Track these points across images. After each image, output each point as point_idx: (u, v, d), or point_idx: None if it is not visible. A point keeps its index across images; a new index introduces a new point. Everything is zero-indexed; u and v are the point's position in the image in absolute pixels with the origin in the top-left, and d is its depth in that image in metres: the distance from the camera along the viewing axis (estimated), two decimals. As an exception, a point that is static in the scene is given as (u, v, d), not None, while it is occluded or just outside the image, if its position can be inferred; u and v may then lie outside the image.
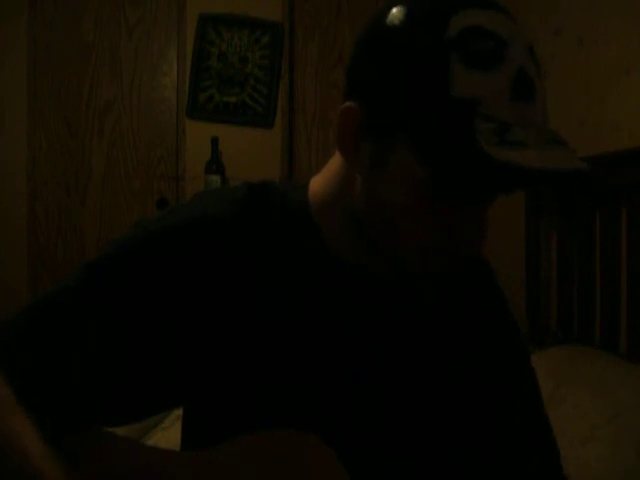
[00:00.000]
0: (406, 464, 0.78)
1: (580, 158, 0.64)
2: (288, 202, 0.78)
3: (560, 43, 2.17)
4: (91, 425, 0.71)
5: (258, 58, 2.88)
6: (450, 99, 0.61)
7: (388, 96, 0.66)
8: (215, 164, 2.79)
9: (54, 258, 2.84)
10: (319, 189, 0.77)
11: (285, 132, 2.89)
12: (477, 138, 0.60)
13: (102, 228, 2.85)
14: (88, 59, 2.84)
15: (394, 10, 0.67)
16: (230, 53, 2.88)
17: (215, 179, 2.76)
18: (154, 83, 2.89)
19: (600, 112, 1.98)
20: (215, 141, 2.79)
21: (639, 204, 1.78)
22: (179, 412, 0.82)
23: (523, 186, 0.69)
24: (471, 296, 0.83)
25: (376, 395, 0.77)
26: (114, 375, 0.71)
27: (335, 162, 0.76)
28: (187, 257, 0.72)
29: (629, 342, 1.82)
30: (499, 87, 0.62)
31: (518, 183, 0.67)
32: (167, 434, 1.79)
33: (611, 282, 1.88)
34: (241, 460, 0.71)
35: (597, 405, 1.50)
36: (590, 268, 1.98)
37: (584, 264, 2.01)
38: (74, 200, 2.85)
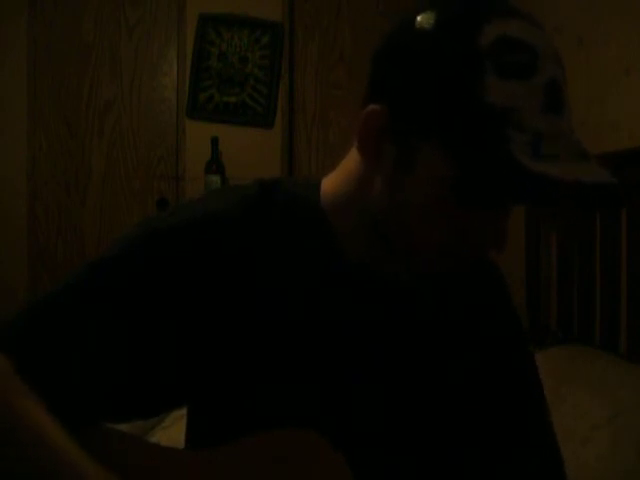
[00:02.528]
0: (406, 464, 0.78)
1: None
2: (298, 201, 0.77)
3: (560, 43, 2.15)
4: (93, 423, 0.71)
5: (258, 58, 2.88)
6: (483, 107, 0.62)
7: (417, 101, 0.66)
8: (215, 164, 2.79)
9: (54, 258, 2.84)
10: (332, 189, 0.77)
11: (285, 132, 2.89)
12: (512, 149, 0.60)
13: (102, 228, 2.85)
14: (88, 59, 2.84)
15: (423, 15, 0.66)
16: (230, 53, 2.88)
17: (215, 179, 2.77)
18: (154, 83, 2.89)
19: (600, 112, 1.98)
20: (215, 141, 2.79)
21: (639, 204, 1.78)
22: (181, 411, 0.82)
23: (553, 198, 0.70)
24: (473, 296, 0.83)
25: (376, 395, 0.77)
26: (116, 374, 0.71)
27: (350, 163, 0.76)
28: (187, 257, 0.72)
29: (629, 342, 1.81)
30: (532, 97, 0.62)
31: (550, 195, 0.67)
32: (168, 433, 1.79)
33: (611, 282, 1.88)
34: (242, 460, 0.71)
35: (597, 405, 1.50)
36: (590, 268, 1.98)
37: (584, 264, 2.01)
38: (74, 200, 2.85)
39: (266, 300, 0.74)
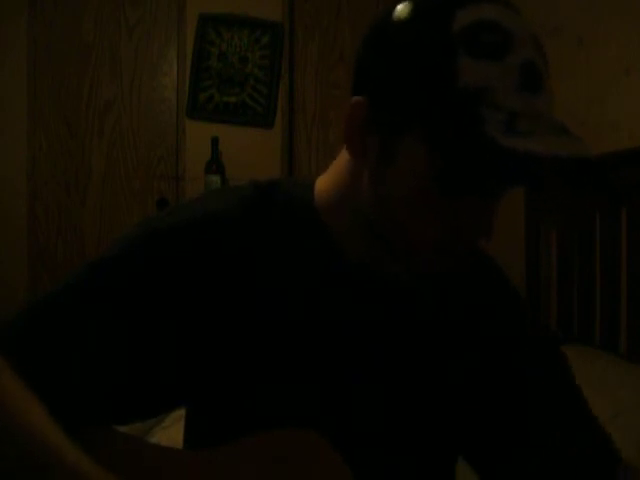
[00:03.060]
0: (406, 464, 0.78)
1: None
2: (294, 201, 0.77)
3: (560, 43, 2.17)
4: (93, 423, 0.71)
5: (258, 58, 2.88)
6: (457, 90, 0.62)
7: (396, 90, 0.66)
8: (215, 164, 2.79)
9: (54, 258, 2.84)
10: (326, 188, 0.77)
11: (285, 132, 2.89)
12: (485, 127, 0.60)
13: (102, 228, 2.85)
14: (88, 59, 2.84)
15: (401, 5, 0.67)
16: (230, 53, 2.88)
17: (215, 179, 2.77)
18: (154, 83, 2.89)
19: (600, 112, 1.98)
20: (215, 141, 2.79)
21: (639, 204, 1.78)
22: (180, 412, 0.82)
23: (533, 174, 0.69)
24: (473, 296, 0.83)
25: (377, 395, 0.76)
26: (116, 374, 0.71)
27: (341, 160, 0.76)
28: (187, 257, 0.72)
29: (629, 342, 1.82)
30: (507, 77, 0.62)
31: (527, 171, 0.67)
32: (168, 433, 1.78)
33: (611, 282, 1.88)
34: (242, 460, 0.71)
35: (597, 405, 1.50)
36: (590, 268, 1.98)
37: (584, 264, 2.01)
38: (74, 200, 2.85)
39: (266, 300, 0.74)
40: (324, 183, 0.78)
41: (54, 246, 2.84)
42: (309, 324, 0.74)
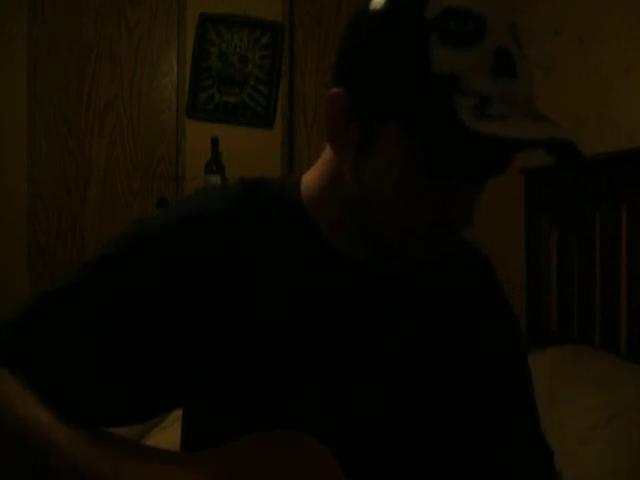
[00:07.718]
0: (407, 464, 0.78)
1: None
2: (282, 198, 0.78)
3: (560, 43, 2.17)
4: (91, 425, 0.70)
5: (258, 58, 2.88)
6: (430, 77, 0.62)
7: (372, 79, 0.67)
8: (215, 164, 2.79)
9: (54, 258, 2.84)
10: (311, 184, 0.78)
11: (285, 132, 2.89)
12: (457, 112, 0.60)
13: (102, 228, 2.85)
14: (88, 59, 2.85)
15: None
16: (230, 53, 2.88)
17: (215, 179, 2.77)
18: (154, 83, 2.89)
19: (600, 112, 1.98)
20: (215, 141, 2.79)
21: (639, 204, 1.78)
22: (178, 412, 0.82)
23: (505, 157, 0.69)
24: (470, 294, 0.83)
25: (376, 394, 0.76)
26: (113, 374, 0.70)
27: (326, 155, 0.77)
28: (181, 255, 0.72)
29: (629, 342, 1.82)
30: (479, 64, 0.62)
31: (503, 155, 0.67)
32: (167, 434, 1.79)
33: (611, 282, 1.88)
34: (239, 461, 0.71)
35: (597, 405, 1.50)
36: (590, 268, 1.98)
37: (584, 264, 2.01)
38: (74, 200, 2.85)
39: (262, 298, 0.74)
40: (310, 179, 0.78)
41: (54, 246, 2.85)
42: (303, 323, 0.74)
